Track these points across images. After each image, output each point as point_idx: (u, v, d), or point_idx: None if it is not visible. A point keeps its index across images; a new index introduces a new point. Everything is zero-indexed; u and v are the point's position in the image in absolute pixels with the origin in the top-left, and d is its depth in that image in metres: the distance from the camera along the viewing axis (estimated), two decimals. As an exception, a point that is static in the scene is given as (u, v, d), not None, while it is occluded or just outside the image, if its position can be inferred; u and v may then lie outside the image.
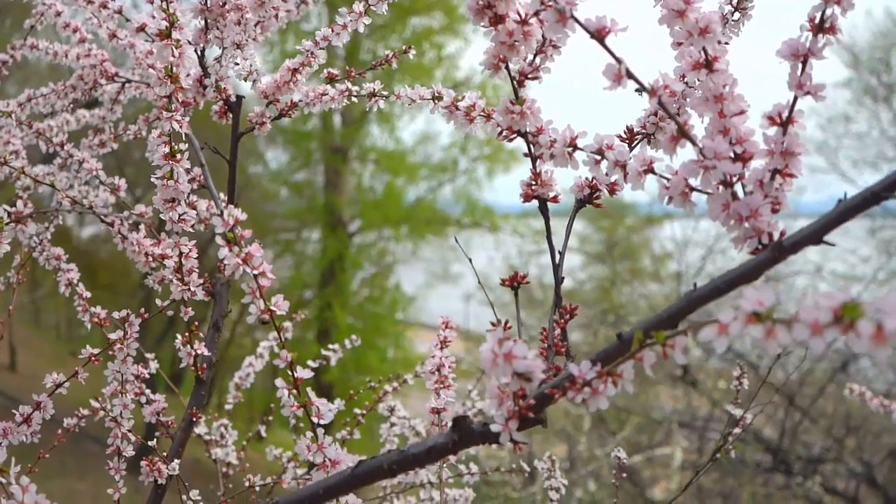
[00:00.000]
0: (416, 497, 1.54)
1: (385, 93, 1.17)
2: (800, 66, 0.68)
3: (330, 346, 1.68)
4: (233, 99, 1.22)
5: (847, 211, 0.61)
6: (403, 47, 1.23)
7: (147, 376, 1.21)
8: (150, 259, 1.23)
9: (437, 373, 1.10)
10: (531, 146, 0.82)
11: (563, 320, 0.80)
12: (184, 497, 1.13)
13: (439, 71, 11.22)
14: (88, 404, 1.18)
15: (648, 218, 10.72)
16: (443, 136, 12.06)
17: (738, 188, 0.68)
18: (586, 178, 0.85)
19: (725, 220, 0.67)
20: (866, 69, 9.63)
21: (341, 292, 11.33)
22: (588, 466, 6.81)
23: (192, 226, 1.07)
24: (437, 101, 1.01)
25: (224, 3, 1.14)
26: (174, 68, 0.93)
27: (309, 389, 0.81)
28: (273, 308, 0.79)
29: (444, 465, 1.43)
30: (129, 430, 1.10)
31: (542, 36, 0.77)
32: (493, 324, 0.74)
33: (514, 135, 0.82)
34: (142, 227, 1.28)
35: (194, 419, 1.18)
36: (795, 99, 0.68)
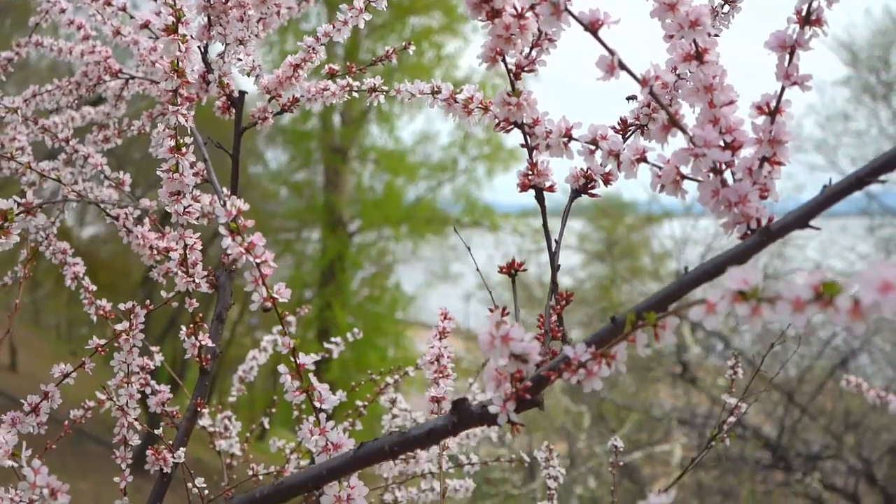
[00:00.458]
0: (416, 487, 1.56)
1: (385, 88, 1.20)
2: (787, 57, 0.70)
3: (332, 340, 1.70)
4: (235, 94, 1.25)
5: (832, 196, 0.63)
6: (403, 43, 1.25)
7: (153, 367, 1.23)
8: (155, 252, 1.25)
9: (436, 363, 1.12)
10: (527, 137, 0.85)
11: (559, 306, 0.82)
12: (189, 485, 1.15)
13: (439, 70, 11.25)
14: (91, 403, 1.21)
15: (648, 216, 10.74)
16: (442, 135, 12.10)
17: (727, 175, 0.71)
18: (581, 169, 0.87)
19: (715, 206, 0.69)
20: (865, 67, 9.65)
21: (341, 292, 11.36)
22: (588, 463, 6.83)
23: (196, 219, 1.09)
24: (435, 95, 1.04)
25: (227, 0, 1.16)
26: (180, 63, 0.95)
27: (311, 375, 0.83)
28: (275, 295, 0.82)
29: (445, 456, 1.45)
30: (136, 419, 1.12)
31: (538, 29, 0.79)
32: (490, 309, 0.77)
33: (511, 126, 0.84)
34: (146, 220, 1.30)
35: (199, 409, 1.20)
36: (783, 89, 0.70)
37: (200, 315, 1.18)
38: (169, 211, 1.05)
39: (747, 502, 7.07)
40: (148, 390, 1.22)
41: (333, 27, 1.18)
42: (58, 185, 1.39)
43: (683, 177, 0.73)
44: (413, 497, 1.56)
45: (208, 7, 1.16)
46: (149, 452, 1.16)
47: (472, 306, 12.18)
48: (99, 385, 1.22)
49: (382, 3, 1.18)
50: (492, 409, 0.72)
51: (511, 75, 0.82)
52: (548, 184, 0.86)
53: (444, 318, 1.16)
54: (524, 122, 0.84)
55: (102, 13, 1.36)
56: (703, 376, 7.43)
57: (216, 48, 1.27)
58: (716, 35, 0.88)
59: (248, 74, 1.21)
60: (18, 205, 0.84)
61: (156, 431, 1.15)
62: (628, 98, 0.91)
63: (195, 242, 1.10)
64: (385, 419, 1.66)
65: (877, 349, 7.71)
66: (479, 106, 0.95)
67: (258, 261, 0.79)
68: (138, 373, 1.18)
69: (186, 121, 0.97)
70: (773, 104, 0.71)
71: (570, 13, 0.68)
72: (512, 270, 0.86)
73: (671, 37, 0.76)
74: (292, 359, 0.83)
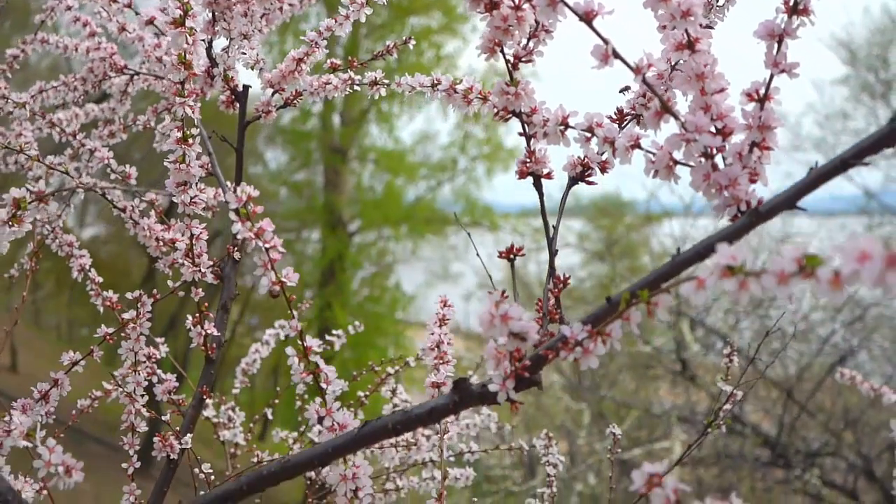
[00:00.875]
0: (418, 476, 1.59)
1: (386, 81, 1.22)
2: (775, 45, 0.73)
3: (334, 333, 1.73)
4: (240, 89, 1.27)
5: (818, 177, 0.66)
6: (404, 38, 1.28)
7: (159, 357, 1.25)
8: (161, 244, 1.27)
9: (436, 349, 1.14)
10: (525, 126, 0.87)
11: (556, 290, 0.84)
12: (195, 470, 1.18)
13: (438, 70, 11.24)
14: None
15: (647, 216, 10.77)
16: (442, 135, 12.14)
17: (718, 160, 0.73)
18: (578, 157, 0.90)
19: (706, 190, 0.72)
20: (864, 66, 9.69)
21: (341, 292, 11.38)
22: (588, 461, 6.86)
23: (203, 210, 1.11)
24: (435, 88, 1.06)
25: (231, -4, 1.18)
26: (187, 55, 0.98)
27: (318, 358, 0.85)
28: (284, 279, 0.84)
29: (446, 446, 1.47)
30: (144, 406, 1.15)
31: (535, 21, 0.81)
32: (490, 292, 0.79)
33: (510, 115, 0.87)
34: (152, 213, 1.33)
35: (204, 396, 1.23)
36: (772, 76, 0.73)
37: (206, 304, 1.21)
38: (175, 201, 1.07)
39: (747, 499, 7.09)
40: (154, 379, 1.25)
41: (335, 21, 1.20)
42: (62, 181, 1.42)
43: (676, 162, 0.75)
44: (414, 485, 1.59)
45: (213, 3, 1.18)
46: (156, 439, 1.18)
47: (472, 306, 12.21)
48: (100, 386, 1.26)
49: (383, -2, 1.20)
50: (491, 387, 0.74)
51: (509, 66, 0.85)
52: (545, 171, 0.89)
53: (444, 305, 1.19)
54: (522, 110, 0.86)
55: (108, 10, 1.39)
56: (702, 374, 7.45)
57: (219, 46, 1.30)
58: (709, 27, 0.91)
59: (252, 68, 1.24)
60: (30, 192, 0.87)
61: (163, 417, 1.18)
62: (622, 90, 0.94)
63: (201, 232, 1.13)
64: (386, 409, 1.69)
65: (876, 346, 7.74)
66: (479, 96, 0.97)
67: (267, 245, 0.82)
68: (145, 362, 1.21)
69: (193, 112, 0.99)
70: (762, 91, 0.73)
71: (566, 4, 0.71)
72: (511, 255, 0.89)
73: (664, 27, 0.79)
74: (299, 342, 0.85)
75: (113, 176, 1.37)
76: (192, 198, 1.06)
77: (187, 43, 0.96)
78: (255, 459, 1.47)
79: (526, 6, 0.78)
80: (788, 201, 0.66)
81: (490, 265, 1.06)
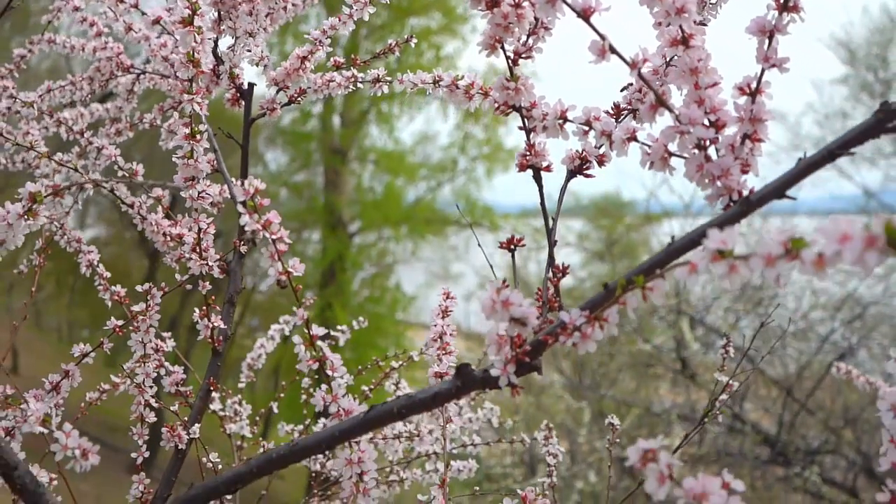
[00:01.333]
0: (421, 468, 1.61)
1: (388, 78, 1.25)
2: (766, 41, 0.75)
3: (338, 328, 1.76)
4: (245, 86, 1.30)
5: (807, 168, 0.68)
6: (406, 36, 1.30)
7: (167, 349, 1.28)
8: (168, 238, 1.30)
9: (439, 340, 1.17)
10: (525, 119, 0.90)
11: (556, 279, 0.87)
12: (203, 459, 1.20)
13: (437, 71, 11.28)
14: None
15: (647, 216, 10.80)
16: (442, 136, 12.17)
17: (711, 151, 0.76)
18: (577, 151, 0.92)
19: (700, 180, 0.75)
20: (863, 66, 9.72)
21: (342, 292, 11.41)
22: (588, 459, 6.88)
23: (210, 204, 1.14)
24: (437, 84, 1.09)
25: (237, -4, 1.21)
26: (196, 53, 1.00)
27: (324, 344, 0.88)
28: (290, 270, 0.87)
29: (449, 439, 1.50)
30: (153, 397, 1.18)
31: (535, 18, 0.84)
32: (491, 281, 0.82)
33: (510, 109, 0.90)
34: (159, 208, 1.35)
35: (211, 388, 1.25)
36: (763, 71, 0.76)
37: (213, 298, 1.23)
38: (184, 195, 1.10)
39: (747, 497, 7.11)
40: (162, 371, 1.27)
41: (339, 20, 1.23)
42: (68, 179, 1.45)
43: (671, 154, 0.78)
44: (417, 478, 1.61)
45: (219, 2, 1.21)
46: (164, 430, 1.21)
47: (472, 306, 12.23)
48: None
49: (385, -3, 1.23)
50: (493, 371, 0.77)
51: (509, 62, 0.87)
52: (545, 164, 0.91)
53: (447, 297, 1.21)
54: (522, 105, 0.89)
55: (115, 10, 1.41)
56: (702, 373, 7.48)
57: (224, 45, 1.32)
58: (703, 24, 0.94)
59: (257, 64, 1.27)
60: (46, 187, 0.89)
61: (172, 408, 1.20)
62: (623, 88, 0.96)
63: (208, 226, 1.15)
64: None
65: (875, 344, 7.77)
66: (480, 91, 1.00)
67: (274, 237, 0.84)
68: (154, 354, 1.23)
69: (201, 109, 1.02)
70: (753, 85, 0.76)
71: (564, 1, 0.73)
72: (511, 246, 0.91)
73: (660, 24, 0.81)
74: (306, 330, 0.88)
75: (120, 173, 1.40)
76: (199, 192, 1.09)
77: (195, 41, 0.99)
78: (261, 450, 1.50)
79: (525, 4, 0.81)
80: (778, 191, 0.69)
81: (492, 270, 1.08)
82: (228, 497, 1.50)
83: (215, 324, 1.25)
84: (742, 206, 0.70)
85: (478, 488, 1.53)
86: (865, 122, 0.66)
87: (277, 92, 1.31)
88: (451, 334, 1.16)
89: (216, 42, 1.27)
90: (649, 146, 0.80)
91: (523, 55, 0.87)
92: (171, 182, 1.22)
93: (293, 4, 1.31)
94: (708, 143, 0.75)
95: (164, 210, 1.36)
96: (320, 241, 12.00)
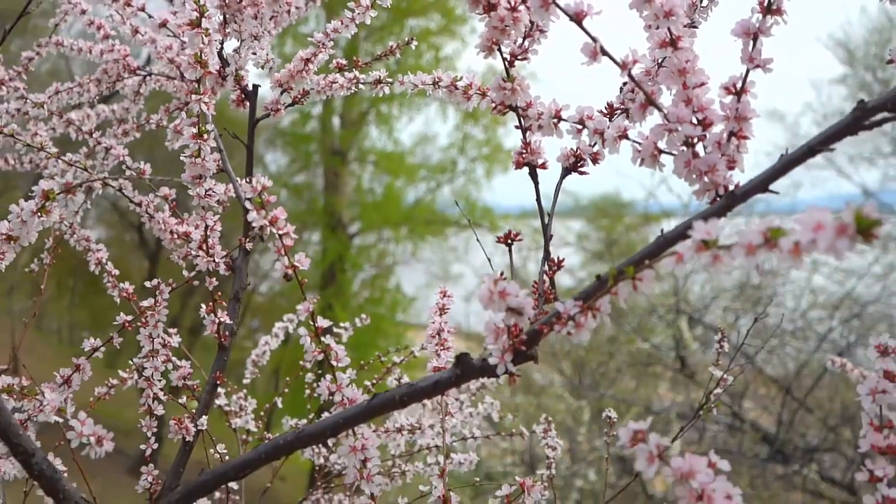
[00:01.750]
0: (423, 462, 1.65)
1: (390, 80, 1.28)
2: (751, 42, 0.79)
3: (341, 325, 1.79)
4: (250, 88, 1.33)
5: (789, 163, 0.72)
6: (406, 38, 1.34)
7: (174, 344, 1.31)
8: (175, 236, 1.33)
9: (437, 336, 1.21)
10: (521, 119, 0.93)
11: (551, 272, 0.91)
12: (210, 451, 1.24)
13: (437, 72, 11.33)
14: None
15: (646, 216, 10.83)
16: (441, 137, 12.21)
17: (699, 148, 0.79)
18: (571, 149, 0.96)
19: (688, 175, 0.78)
20: (862, 66, 9.75)
21: (342, 294, 11.44)
22: (588, 458, 6.92)
23: (217, 202, 1.18)
24: (437, 85, 1.12)
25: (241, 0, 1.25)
26: (203, 55, 1.04)
27: (328, 337, 0.92)
28: (296, 264, 0.90)
29: (449, 431, 1.53)
30: (161, 389, 1.21)
31: (530, 21, 0.88)
32: (488, 274, 0.85)
33: (507, 109, 0.93)
34: (166, 207, 1.39)
35: (218, 382, 1.29)
36: (748, 71, 0.79)
37: (219, 294, 1.27)
38: (191, 193, 1.13)
39: (746, 495, 7.14)
40: (170, 366, 1.30)
41: (342, 23, 1.27)
42: (75, 178, 1.48)
43: (660, 151, 0.82)
44: (419, 471, 1.65)
45: (225, 6, 1.24)
46: (172, 422, 1.24)
47: (472, 306, 12.26)
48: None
49: (387, 0, 1.27)
50: (491, 360, 0.80)
51: (506, 63, 0.91)
52: (540, 161, 0.95)
53: (444, 295, 1.25)
54: (518, 105, 0.93)
55: (122, 13, 1.45)
56: (701, 371, 7.51)
57: (229, 47, 1.36)
58: (693, 26, 0.98)
59: (262, 67, 1.30)
60: (59, 184, 0.93)
61: (180, 400, 1.23)
62: (621, 89, 1.00)
63: (215, 224, 1.19)
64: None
65: (873, 343, 7.78)
66: (478, 92, 1.04)
67: (281, 232, 0.88)
68: (162, 348, 1.27)
69: (208, 108, 1.05)
70: (739, 85, 0.79)
71: (557, 5, 0.77)
72: (508, 240, 0.95)
73: (650, 27, 0.85)
74: (311, 322, 0.91)
75: (128, 173, 1.43)
76: (206, 190, 1.12)
77: (203, 43, 1.02)
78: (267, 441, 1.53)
79: (521, 7, 0.85)
80: (761, 185, 0.72)
81: (489, 266, 1.11)
82: (235, 496, 1.54)
83: (221, 319, 1.29)
84: (727, 200, 0.73)
85: (478, 479, 1.56)
86: (843, 120, 0.70)
87: (281, 93, 1.35)
88: (448, 331, 1.20)
89: (222, 44, 1.30)
90: (640, 144, 0.84)
91: (519, 57, 0.90)
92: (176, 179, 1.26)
93: (296, 7, 1.35)
94: (696, 140, 0.79)
95: (170, 208, 1.39)
96: (320, 243, 12.03)
